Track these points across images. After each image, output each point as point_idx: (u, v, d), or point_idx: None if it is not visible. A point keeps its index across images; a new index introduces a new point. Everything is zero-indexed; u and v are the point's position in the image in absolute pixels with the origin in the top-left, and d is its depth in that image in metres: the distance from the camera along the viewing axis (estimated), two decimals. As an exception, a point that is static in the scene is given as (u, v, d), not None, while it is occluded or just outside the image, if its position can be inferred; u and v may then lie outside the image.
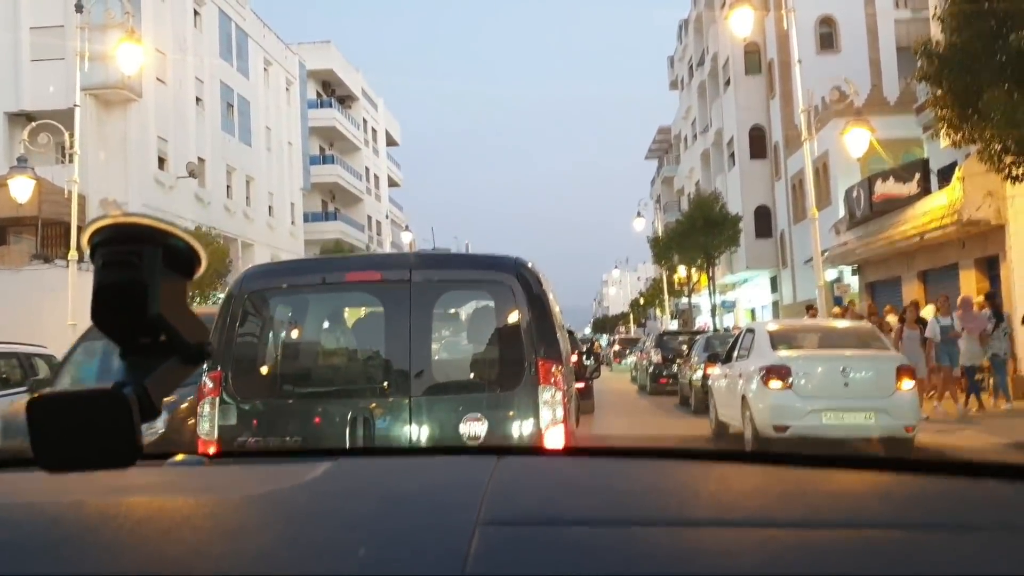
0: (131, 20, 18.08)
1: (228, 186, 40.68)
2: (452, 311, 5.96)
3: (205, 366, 5.03)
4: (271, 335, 5.67)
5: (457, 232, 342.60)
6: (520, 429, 4.89)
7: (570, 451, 1.55)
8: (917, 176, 20.88)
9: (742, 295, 48.03)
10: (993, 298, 16.44)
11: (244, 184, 42.40)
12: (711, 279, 36.39)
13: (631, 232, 49.00)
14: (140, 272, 0.99)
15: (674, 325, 52.97)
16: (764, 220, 40.29)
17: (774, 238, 40.03)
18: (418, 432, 4.89)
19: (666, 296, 51.26)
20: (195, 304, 25.43)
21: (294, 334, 5.84)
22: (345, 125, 57.88)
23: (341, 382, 5.45)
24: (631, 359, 39.96)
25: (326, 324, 5.94)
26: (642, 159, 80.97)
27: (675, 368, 24.29)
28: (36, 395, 0.95)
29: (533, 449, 1.70)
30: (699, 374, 17.57)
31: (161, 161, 34.33)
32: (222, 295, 22.05)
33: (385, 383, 5.13)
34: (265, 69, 46.32)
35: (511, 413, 4.94)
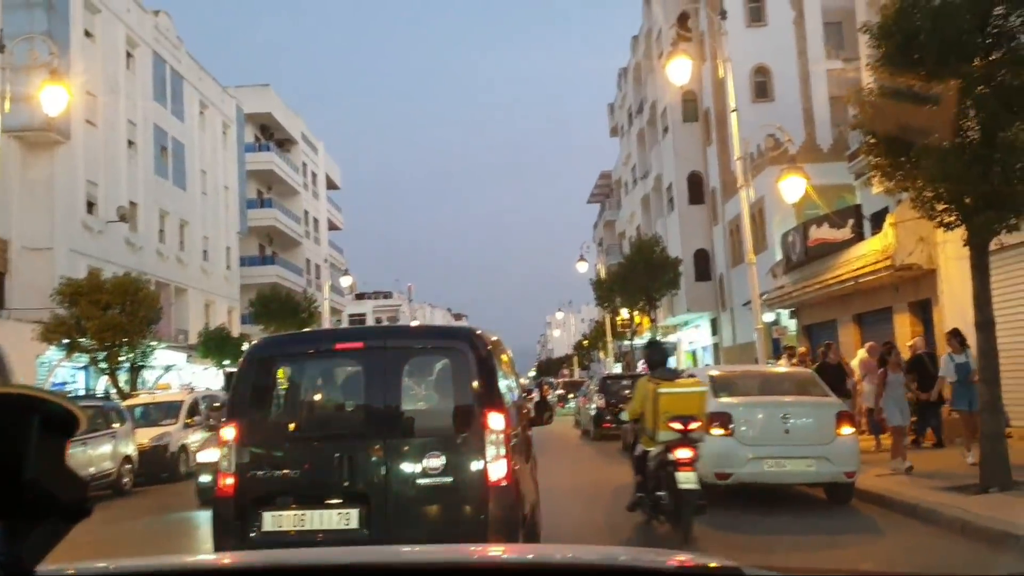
0: (56, 61, 17.58)
1: (161, 230, 39.84)
2: (418, 371, 7.01)
3: (224, 417, 6.59)
4: (275, 392, 6.88)
5: (400, 275, 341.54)
6: (471, 463, 6.03)
7: None
8: (851, 222, 21.21)
9: (683, 337, 48.32)
10: (891, 345, 16.68)
11: (178, 228, 41.59)
12: (653, 321, 36.51)
13: (574, 275, 49.26)
14: (15, 441, 1.06)
15: (617, 367, 53.00)
16: (703, 263, 40.74)
17: (713, 281, 40.45)
18: (390, 465, 6.08)
19: (609, 338, 51.32)
20: (123, 353, 24.66)
21: (293, 391, 7.06)
22: (284, 168, 57.36)
23: (331, 429, 6.74)
24: (574, 403, 39.56)
25: (319, 383, 7.28)
26: (584, 203, 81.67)
27: (618, 413, 24.12)
28: None
29: None
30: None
31: (90, 205, 33.46)
32: (152, 343, 21.07)
33: (365, 429, 6.34)
34: (201, 112, 45.72)
35: (464, 451, 6.07)
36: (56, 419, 1.10)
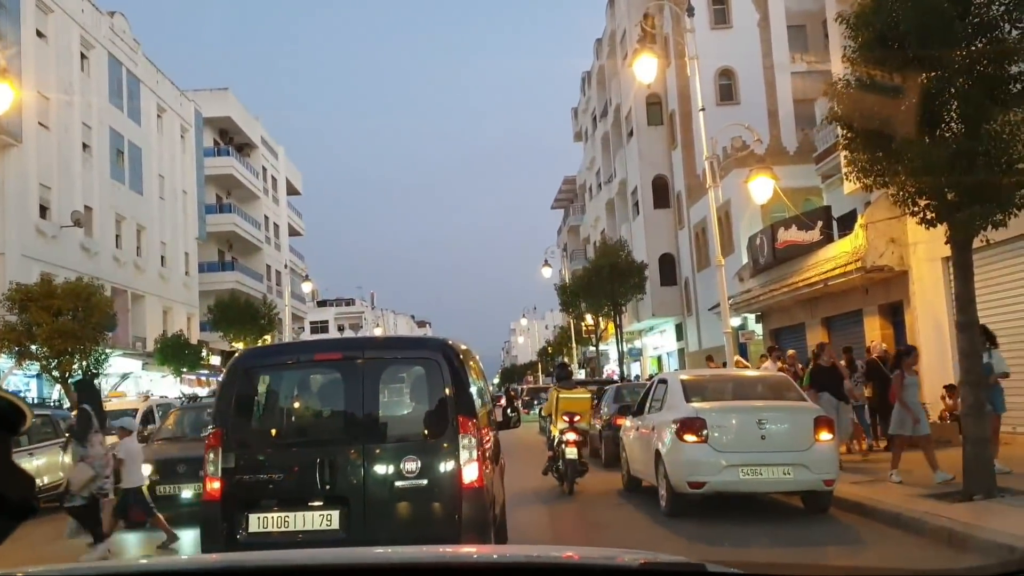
0: (5, 60, 16.83)
1: (117, 235, 38.87)
2: (394, 380, 7.39)
3: (211, 424, 6.93)
4: (259, 400, 7.18)
5: (363, 282, 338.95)
6: (445, 466, 6.35)
7: None
8: (820, 223, 20.96)
9: (648, 343, 48.07)
10: (850, 351, 16.90)
11: (135, 233, 40.62)
12: (618, 327, 36.14)
13: (539, 281, 48.90)
14: None
15: (581, 374, 52.66)
16: (669, 268, 40.46)
17: (679, 286, 40.21)
18: (368, 470, 6.41)
19: (574, 344, 50.95)
20: (76, 360, 23.79)
21: (276, 400, 7.35)
22: (243, 173, 56.42)
23: (311, 435, 7.09)
24: (539, 409, 39.02)
25: (300, 392, 7.51)
26: (548, 209, 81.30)
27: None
28: None
29: None
30: (609, 426, 17.03)
31: (43, 209, 32.47)
32: (108, 350, 20.39)
33: (344, 435, 6.63)
34: (159, 115, 44.81)
35: (438, 455, 6.40)
36: (0, 415, 1.08)
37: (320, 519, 6.29)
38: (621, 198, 46.88)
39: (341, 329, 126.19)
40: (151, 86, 43.88)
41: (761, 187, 17.76)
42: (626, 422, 13.02)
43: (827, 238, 20.60)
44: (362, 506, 6.31)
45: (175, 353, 32.65)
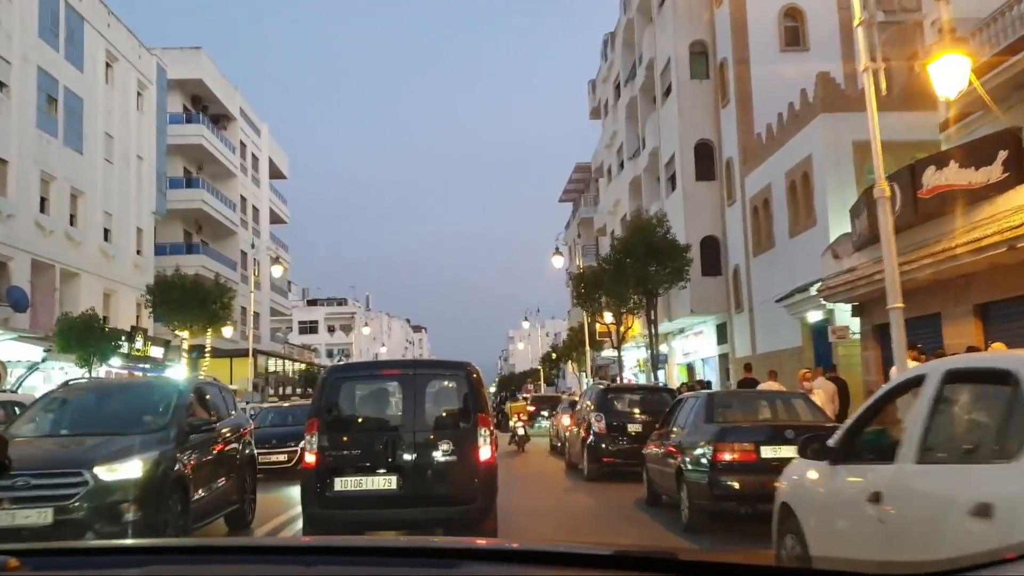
0: None
1: (44, 199, 32.04)
2: (435, 388, 10.19)
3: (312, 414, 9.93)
4: (344, 399, 10.09)
5: (356, 281, 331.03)
6: (469, 448, 9.33)
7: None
8: (1002, 154, 13.91)
9: (677, 347, 40.92)
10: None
11: (68, 199, 33.75)
12: (652, 321, 29.02)
13: (538, 289, 42.68)
14: None
15: (590, 382, 45.66)
16: (712, 254, 33.16)
17: (724, 276, 33.02)
18: (417, 448, 9.34)
19: (587, 347, 43.83)
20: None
21: (355, 400, 10.35)
22: (216, 145, 49.70)
23: (378, 424, 10.00)
24: (546, 423, 33.20)
25: (371, 394, 10.61)
26: (550, 217, 74.23)
27: (625, 441, 16.96)
28: None
29: None
30: (702, 464, 10.11)
31: (-65, 155, 25.60)
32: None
33: (401, 424, 9.61)
34: (108, 64, 38.03)
35: (465, 439, 9.38)
36: None
37: (383, 481, 9.09)
38: (650, 174, 39.76)
39: (331, 330, 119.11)
40: (99, 28, 37.07)
41: (949, 71, 10.83)
42: (821, 472, 5.87)
43: (1017, 176, 13.53)
44: (412, 473, 9.15)
45: (81, 338, 25.40)
